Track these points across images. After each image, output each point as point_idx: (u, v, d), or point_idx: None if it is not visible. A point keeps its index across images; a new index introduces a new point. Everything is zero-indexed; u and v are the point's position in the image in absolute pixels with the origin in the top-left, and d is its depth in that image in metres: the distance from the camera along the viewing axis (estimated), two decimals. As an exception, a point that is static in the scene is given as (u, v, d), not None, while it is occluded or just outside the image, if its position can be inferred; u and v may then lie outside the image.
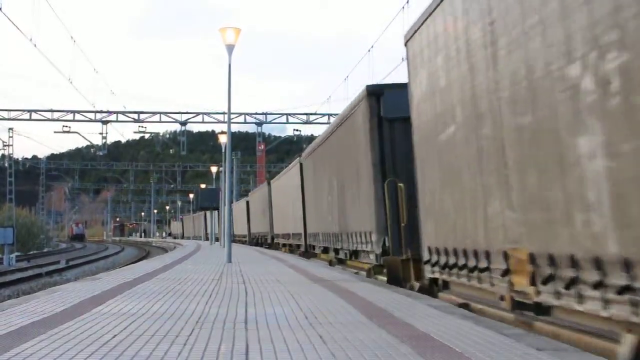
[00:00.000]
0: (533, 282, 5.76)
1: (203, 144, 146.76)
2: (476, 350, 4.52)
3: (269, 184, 34.46)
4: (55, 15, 62.08)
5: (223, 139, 31.44)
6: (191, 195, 77.44)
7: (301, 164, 22.94)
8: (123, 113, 48.02)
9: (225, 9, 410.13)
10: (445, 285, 8.77)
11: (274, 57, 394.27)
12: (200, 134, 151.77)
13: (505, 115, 6.22)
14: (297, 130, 52.63)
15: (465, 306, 7.61)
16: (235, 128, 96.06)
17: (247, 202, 45.62)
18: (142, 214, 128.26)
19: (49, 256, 43.77)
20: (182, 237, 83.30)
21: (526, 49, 5.70)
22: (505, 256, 6.36)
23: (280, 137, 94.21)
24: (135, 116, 48.22)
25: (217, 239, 41.14)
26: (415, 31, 9.11)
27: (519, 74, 5.87)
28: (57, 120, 47.55)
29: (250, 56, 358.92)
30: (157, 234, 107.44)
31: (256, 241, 41.52)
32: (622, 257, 4.42)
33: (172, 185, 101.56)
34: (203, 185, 58.12)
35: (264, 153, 60.25)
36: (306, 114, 48.88)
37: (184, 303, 7.62)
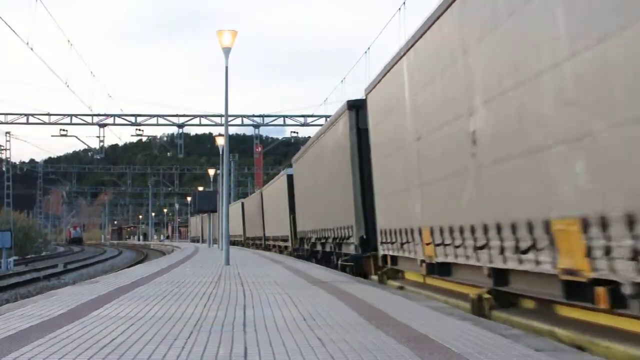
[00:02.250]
0: None
1: (201, 147, 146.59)
2: (475, 352, 4.53)
3: (351, 109, 14.06)
4: (51, 19, 61.89)
5: (220, 142, 31.49)
6: (189, 198, 77.17)
7: None
8: (120, 116, 48.05)
9: (225, 10, 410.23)
10: None
11: (273, 58, 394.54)
12: (197, 136, 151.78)
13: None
14: (294, 132, 52.65)
15: None
16: (232, 130, 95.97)
17: (289, 178, 25.41)
18: (140, 217, 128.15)
19: (47, 260, 43.66)
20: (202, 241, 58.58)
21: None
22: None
23: (277, 139, 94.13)
24: (133, 119, 48.24)
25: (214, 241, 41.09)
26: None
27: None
28: (55, 123, 47.59)
29: (249, 57, 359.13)
30: (155, 237, 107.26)
31: (311, 249, 21.16)
32: None
33: (169, 188, 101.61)
34: (201, 188, 58.00)
35: (261, 155, 60.14)
36: (303, 115, 48.90)
37: (182, 306, 7.61)
